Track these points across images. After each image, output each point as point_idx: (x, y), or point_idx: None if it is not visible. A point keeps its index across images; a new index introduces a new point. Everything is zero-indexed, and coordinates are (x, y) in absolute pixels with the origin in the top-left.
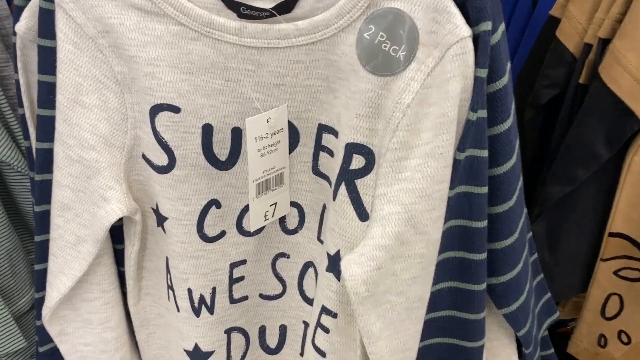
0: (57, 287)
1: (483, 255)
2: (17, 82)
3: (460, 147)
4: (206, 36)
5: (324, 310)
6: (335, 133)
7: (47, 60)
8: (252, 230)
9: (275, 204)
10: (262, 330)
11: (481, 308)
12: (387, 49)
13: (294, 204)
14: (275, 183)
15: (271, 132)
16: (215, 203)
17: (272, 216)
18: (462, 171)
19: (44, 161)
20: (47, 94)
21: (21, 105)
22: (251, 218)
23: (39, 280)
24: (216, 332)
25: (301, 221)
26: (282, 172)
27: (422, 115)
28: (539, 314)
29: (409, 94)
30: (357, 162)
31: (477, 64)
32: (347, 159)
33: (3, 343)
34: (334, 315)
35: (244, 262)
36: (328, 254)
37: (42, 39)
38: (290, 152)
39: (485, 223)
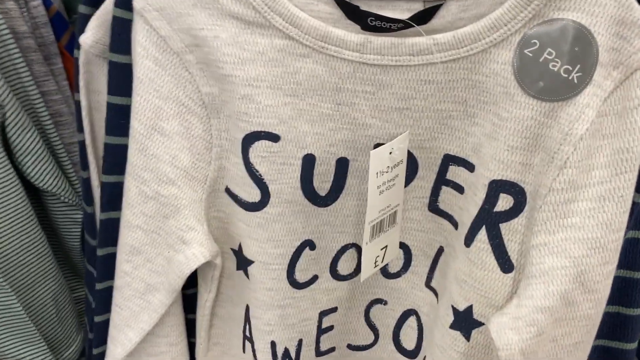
0: (121, 342)
1: (639, 310)
2: (77, 103)
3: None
4: (319, 52)
5: None
6: (469, 166)
7: (120, 79)
8: (362, 280)
9: (386, 247)
10: None
11: None
12: (556, 69)
13: (400, 245)
14: (389, 223)
15: (392, 166)
16: (309, 244)
17: (382, 261)
18: (636, 215)
19: (111, 197)
20: (118, 119)
21: (81, 130)
22: (363, 266)
23: (99, 334)
24: None
25: (406, 264)
26: (396, 210)
27: (595, 149)
28: None
29: (583, 124)
30: (504, 202)
31: None
32: (491, 199)
33: None
34: None
35: (334, 309)
36: (455, 309)
37: (114, 53)
38: (405, 186)
39: None
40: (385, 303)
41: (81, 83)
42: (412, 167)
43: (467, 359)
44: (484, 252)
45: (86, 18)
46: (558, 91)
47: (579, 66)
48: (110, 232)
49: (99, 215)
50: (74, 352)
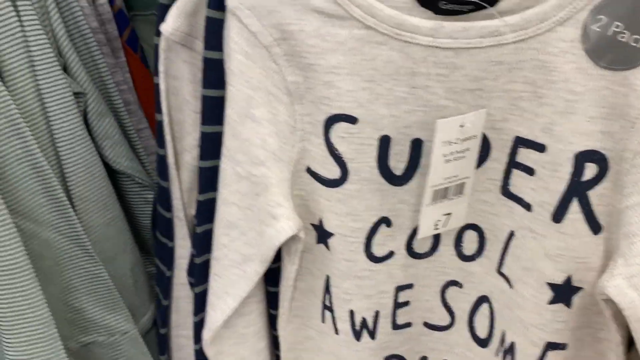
0: (220, 308)
1: None
2: (156, 86)
3: None
4: (394, 39)
5: (549, 347)
6: (538, 147)
7: (214, 73)
8: (419, 237)
9: (450, 214)
10: None
11: None
12: (624, 39)
13: (473, 227)
14: (455, 192)
15: (462, 138)
16: (385, 221)
17: (444, 226)
18: None
19: (208, 180)
20: (213, 110)
21: (159, 112)
22: (420, 224)
23: (198, 303)
24: (376, 358)
25: (480, 247)
26: (464, 182)
27: None
28: None
29: None
30: (590, 171)
31: None
32: (578, 171)
33: None
34: (563, 347)
35: (410, 286)
36: (552, 284)
37: (208, 51)
38: (477, 167)
39: None
40: (461, 286)
41: (161, 68)
42: (485, 148)
43: (568, 325)
44: (578, 222)
45: (165, 8)
46: (629, 60)
47: None
48: (209, 210)
49: (198, 197)
50: (149, 319)
